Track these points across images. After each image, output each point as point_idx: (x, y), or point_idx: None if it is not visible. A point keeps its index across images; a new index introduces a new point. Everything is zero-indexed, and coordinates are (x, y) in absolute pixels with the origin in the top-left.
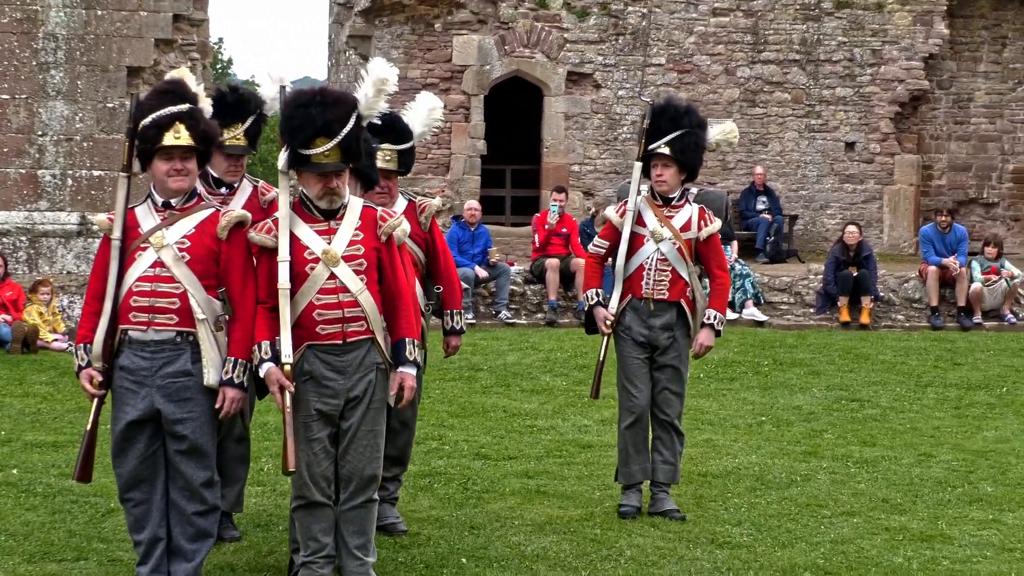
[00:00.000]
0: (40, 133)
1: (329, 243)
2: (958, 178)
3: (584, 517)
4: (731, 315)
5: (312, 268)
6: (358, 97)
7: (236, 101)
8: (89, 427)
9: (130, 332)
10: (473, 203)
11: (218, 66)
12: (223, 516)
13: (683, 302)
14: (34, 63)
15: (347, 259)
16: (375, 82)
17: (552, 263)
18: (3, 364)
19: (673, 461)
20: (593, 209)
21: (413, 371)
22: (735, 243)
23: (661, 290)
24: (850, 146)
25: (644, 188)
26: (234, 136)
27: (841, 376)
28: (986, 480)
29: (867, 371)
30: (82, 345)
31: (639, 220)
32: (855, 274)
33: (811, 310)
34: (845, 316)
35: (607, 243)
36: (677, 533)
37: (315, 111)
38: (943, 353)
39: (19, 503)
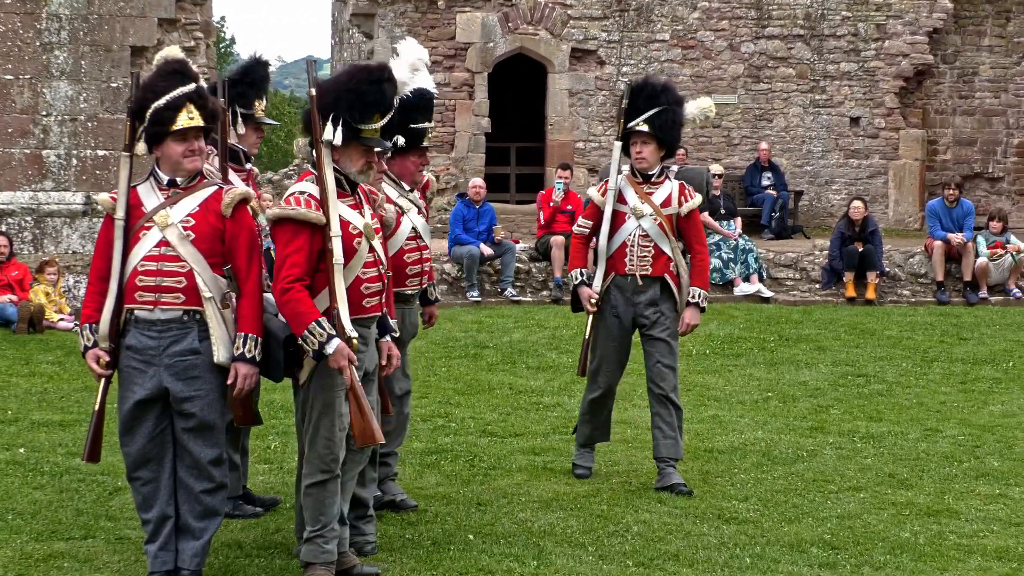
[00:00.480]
0: (44, 113)
1: (362, 216)
2: (963, 153)
3: (591, 493)
4: (753, 288)
5: (358, 243)
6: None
7: (265, 76)
8: (97, 407)
9: (136, 311)
10: (478, 181)
11: (221, 45)
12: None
13: (667, 276)
14: (38, 44)
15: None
16: (412, 63)
17: (557, 240)
18: (10, 344)
19: (674, 436)
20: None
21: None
22: (739, 219)
23: (644, 266)
24: (855, 121)
25: (625, 167)
26: (262, 109)
27: (847, 352)
28: (992, 455)
29: (873, 346)
30: (88, 325)
31: (620, 198)
32: (860, 249)
33: (817, 286)
34: (851, 292)
35: (591, 223)
36: (684, 509)
37: (387, 88)
38: (949, 328)
39: (26, 482)
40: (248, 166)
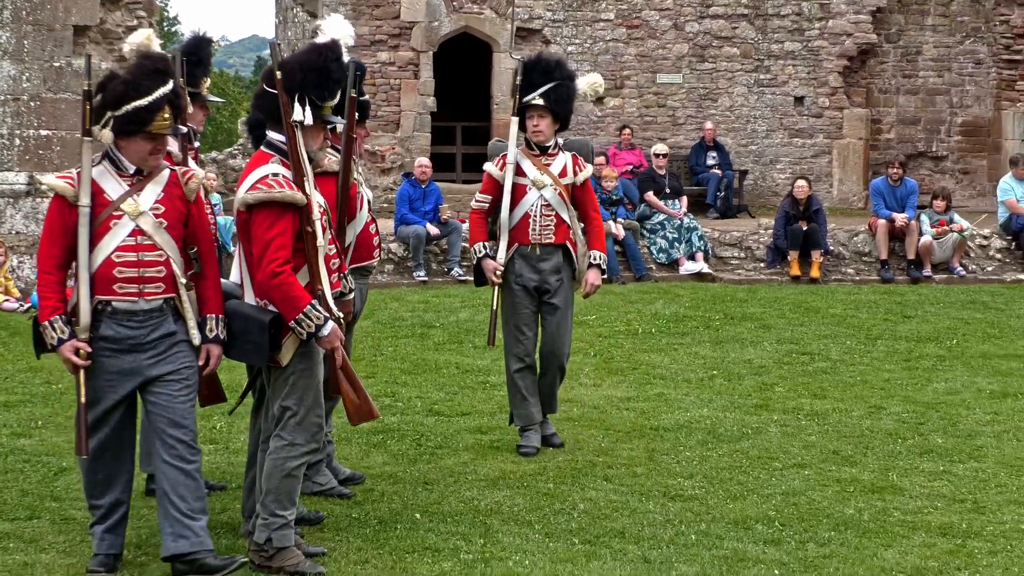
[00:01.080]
0: None
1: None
2: (907, 132)
3: (537, 472)
4: (697, 267)
5: (327, 221)
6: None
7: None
8: (84, 400)
9: (114, 303)
10: (424, 160)
11: (164, 23)
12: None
13: (568, 244)
14: None
15: None
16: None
17: None
18: None
19: (553, 393)
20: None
21: None
22: (685, 198)
23: (548, 234)
24: (799, 101)
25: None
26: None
27: (791, 330)
28: (936, 432)
29: (817, 325)
30: (57, 318)
31: (519, 171)
32: (805, 228)
33: (761, 264)
34: (795, 270)
35: (489, 197)
36: (629, 487)
37: (344, 64)
38: (893, 306)
39: None
40: (196, 144)
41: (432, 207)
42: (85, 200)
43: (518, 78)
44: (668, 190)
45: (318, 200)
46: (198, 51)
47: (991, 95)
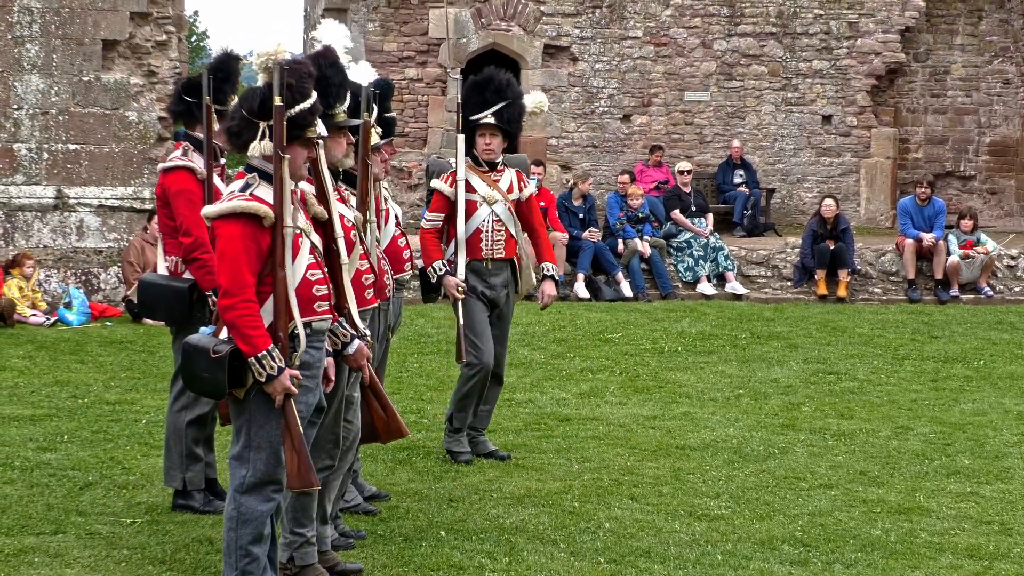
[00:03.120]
0: (16, 107)
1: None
2: (935, 151)
3: (562, 490)
4: (712, 290)
5: (355, 236)
6: None
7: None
8: (301, 429)
9: (314, 323)
10: None
11: (194, 38)
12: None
13: (515, 259)
14: (9, 37)
15: None
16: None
17: None
18: None
19: (490, 408)
20: (572, 182)
21: None
22: (710, 216)
23: (499, 249)
24: (827, 119)
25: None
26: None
27: (818, 349)
28: (963, 453)
29: (844, 344)
30: (272, 348)
31: (468, 187)
32: (832, 247)
33: (788, 283)
34: (822, 289)
35: (441, 215)
36: (655, 506)
37: (342, 67)
38: (920, 326)
39: None
40: (223, 161)
41: None
42: (290, 221)
43: (465, 95)
44: (694, 208)
45: (344, 215)
46: (226, 68)
47: (1019, 115)
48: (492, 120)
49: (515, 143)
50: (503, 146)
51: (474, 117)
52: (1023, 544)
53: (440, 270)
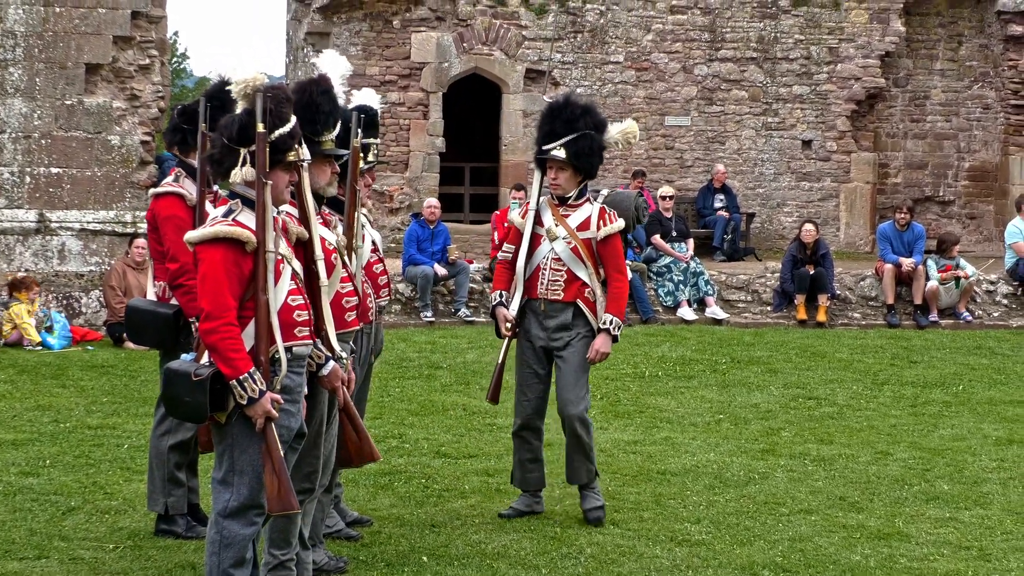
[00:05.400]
0: None
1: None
2: (914, 176)
3: (544, 515)
4: (692, 315)
5: (335, 259)
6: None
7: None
8: (283, 453)
9: (295, 348)
10: (432, 201)
11: (174, 60)
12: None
13: (580, 302)
14: None
15: None
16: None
17: None
18: None
19: (584, 462)
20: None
21: None
22: (691, 241)
23: (556, 290)
24: (807, 144)
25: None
26: None
27: (798, 374)
28: (943, 478)
29: (824, 369)
30: (254, 371)
31: (539, 220)
32: (812, 272)
33: (768, 308)
34: (802, 314)
35: (513, 247)
36: (636, 531)
37: (334, 96)
38: (899, 351)
39: None
40: (215, 188)
41: (440, 247)
42: (271, 246)
43: (538, 123)
44: (675, 232)
45: (326, 237)
46: (221, 96)
47: (999, 140)
48: (559, 154)
49: (591, 173)
50: (575, 180)
51: (543, 148)
52: (1002, 570)
53: (495, 300)
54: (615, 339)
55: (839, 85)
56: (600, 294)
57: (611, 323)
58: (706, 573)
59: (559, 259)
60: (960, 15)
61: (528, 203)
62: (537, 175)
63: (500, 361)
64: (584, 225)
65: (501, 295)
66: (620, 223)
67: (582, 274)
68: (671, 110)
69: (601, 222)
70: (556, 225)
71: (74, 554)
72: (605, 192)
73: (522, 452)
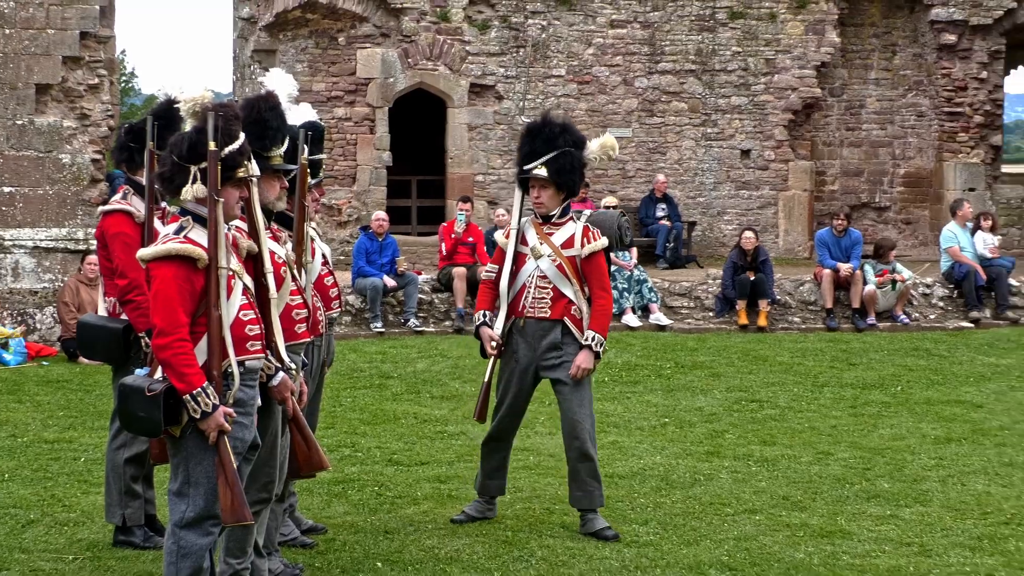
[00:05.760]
0: None
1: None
2: (850, 183)
3: (495, 520)
4: (636, 321)
5: (284, 272)
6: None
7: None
8: (235, 466)
9: (248, 362)
10: (380, 214)
11: (122, 78)
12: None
13: (567, 320)
14: None
15: None
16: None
17: (459, 272)
18: None
19: (591, 489)
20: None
21: None
22: (634, 249)
23: (542, 308)
24: (745, 153)
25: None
26: None
27: (740, 378)
28: (883, 477)
29: (765, 372)
30: (206, 385)
31: (523, 240)
32: (752, 278)
33: (711, 314)
34: (743, 319)
35: (496, 267)
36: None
37: (282, 112)
38: (838, 354)
39: None
40: (164, 204)
41: (389, 260)
42: (224, 262)
43: (519, 143)
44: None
45: (275, 251)
46: (167, 114)
47: (933, 147)
48: (541, 172)
49: (573, 191)
50: (558, 198)
51: (525, 167)
52: (942, 565)
53: (478, 320)
54: (598, 356)
55: (776, 95)
56: (586, 311)
57: (593, 340)
58: (654, 573)
59: (544, 276)
60: (894, 25)
61: (510, 223)
62: (518, 194)
63: (486, 380)
64: (568, 243)
65: (484, 315)
66: (604, 241)
67: (568, 291)
68: (612, 122)
69: (585, 239)
70: (541, 243)
71: (34, 566)
72: (587, 213)
73: (490, 460)
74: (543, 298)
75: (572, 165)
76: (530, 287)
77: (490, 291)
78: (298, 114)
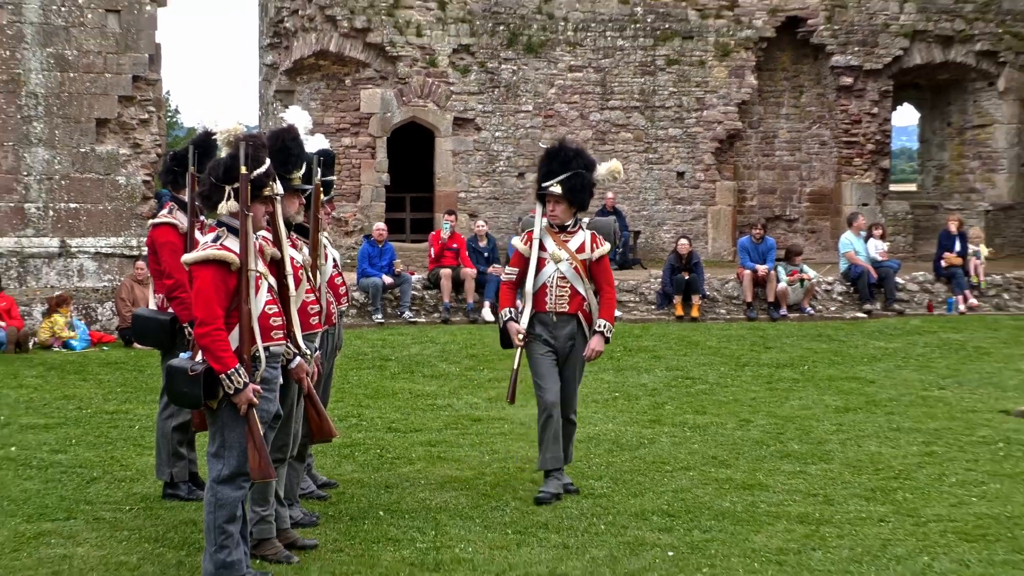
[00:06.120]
0: (25, 173)
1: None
2: (766, 199)
3: (476, 476)
4: None
5: (302, 274)
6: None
7: (215, 144)
8: (261, 432)
9: (272, 348)
10: (380, 224)
11: (168, 114)
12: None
13: (580, 314)
14: (19, 116)
15: None
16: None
17: (445, 272)
18: (0, 362)
19: (566, 448)
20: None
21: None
22: None
23: (562, 304)
24: (680, 175)
25: (546, 220)
26: None
27: (678, 359)
28: (793, 440)
29: (698, 355)
30: (239, 366)
31: (541, 246)
32: (687, 278)
33: (652, 307)
34: (679, 311)
35: (516, 270)
36: None
37: (302, 142)
38: (757, 339)
39: (18, 474)
40: (202, 218)
41: (387, 262)
42: (253, 265)
43: (539, 163)
44: None
45: (295, 256)
46: (205, 143)
47: (833, 169)
48: (557, 189)
49: (583, 206)
50: (570, 212)
51: (543, 185)
52: (843, 512)
53: (506, 316)
54: (607, 340)
55: (705, 127)
56: (594, 304)
57: (604, 327)
58: (607, 519)
59: (564, 277)
60: (801, 70)
61: (530, 232)
62: (538, 208)
63: (516, 367)
64: (581, 248)
65: (509, 312)
66: (607, 246)
67: (582, 289)
68: None
69: (594, 245)
70: (559, 249)
71: (97, 515)
72: (586, 221)
73: (549, 435)
74: (562, 296)
75: (583, 184)
76: (551, 286)
77: (511, 290)
78: (313, 143)
